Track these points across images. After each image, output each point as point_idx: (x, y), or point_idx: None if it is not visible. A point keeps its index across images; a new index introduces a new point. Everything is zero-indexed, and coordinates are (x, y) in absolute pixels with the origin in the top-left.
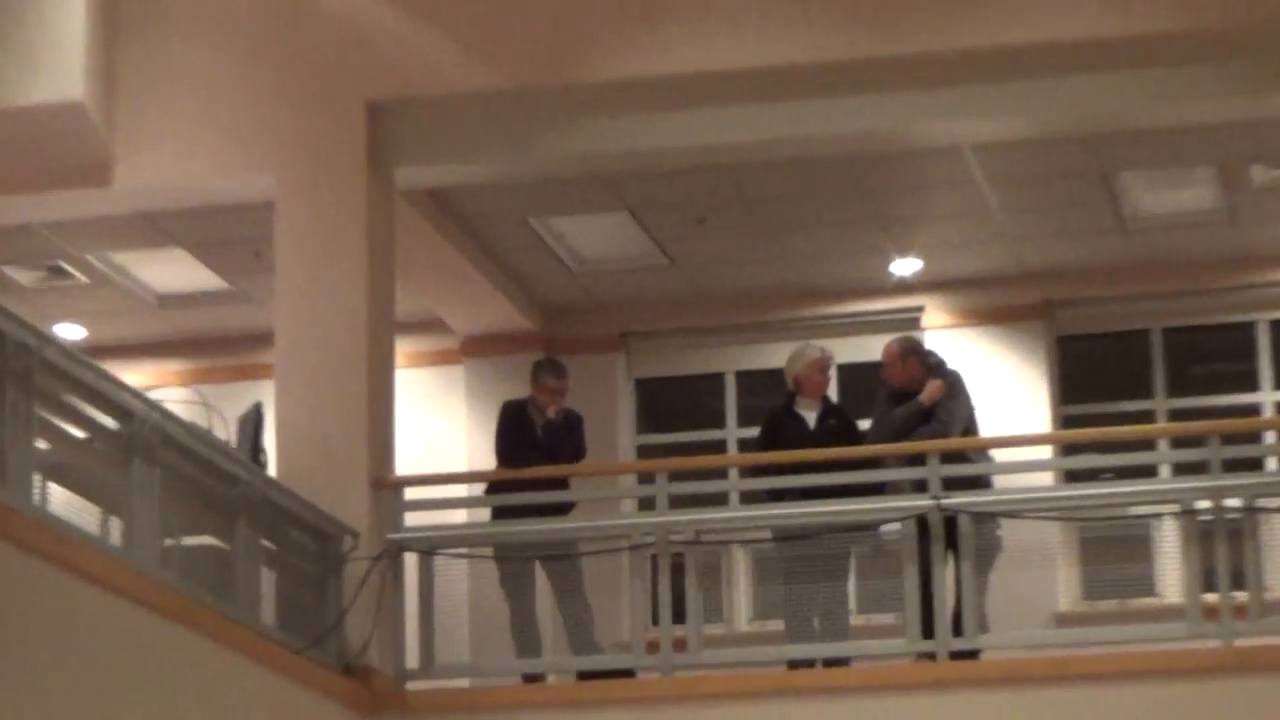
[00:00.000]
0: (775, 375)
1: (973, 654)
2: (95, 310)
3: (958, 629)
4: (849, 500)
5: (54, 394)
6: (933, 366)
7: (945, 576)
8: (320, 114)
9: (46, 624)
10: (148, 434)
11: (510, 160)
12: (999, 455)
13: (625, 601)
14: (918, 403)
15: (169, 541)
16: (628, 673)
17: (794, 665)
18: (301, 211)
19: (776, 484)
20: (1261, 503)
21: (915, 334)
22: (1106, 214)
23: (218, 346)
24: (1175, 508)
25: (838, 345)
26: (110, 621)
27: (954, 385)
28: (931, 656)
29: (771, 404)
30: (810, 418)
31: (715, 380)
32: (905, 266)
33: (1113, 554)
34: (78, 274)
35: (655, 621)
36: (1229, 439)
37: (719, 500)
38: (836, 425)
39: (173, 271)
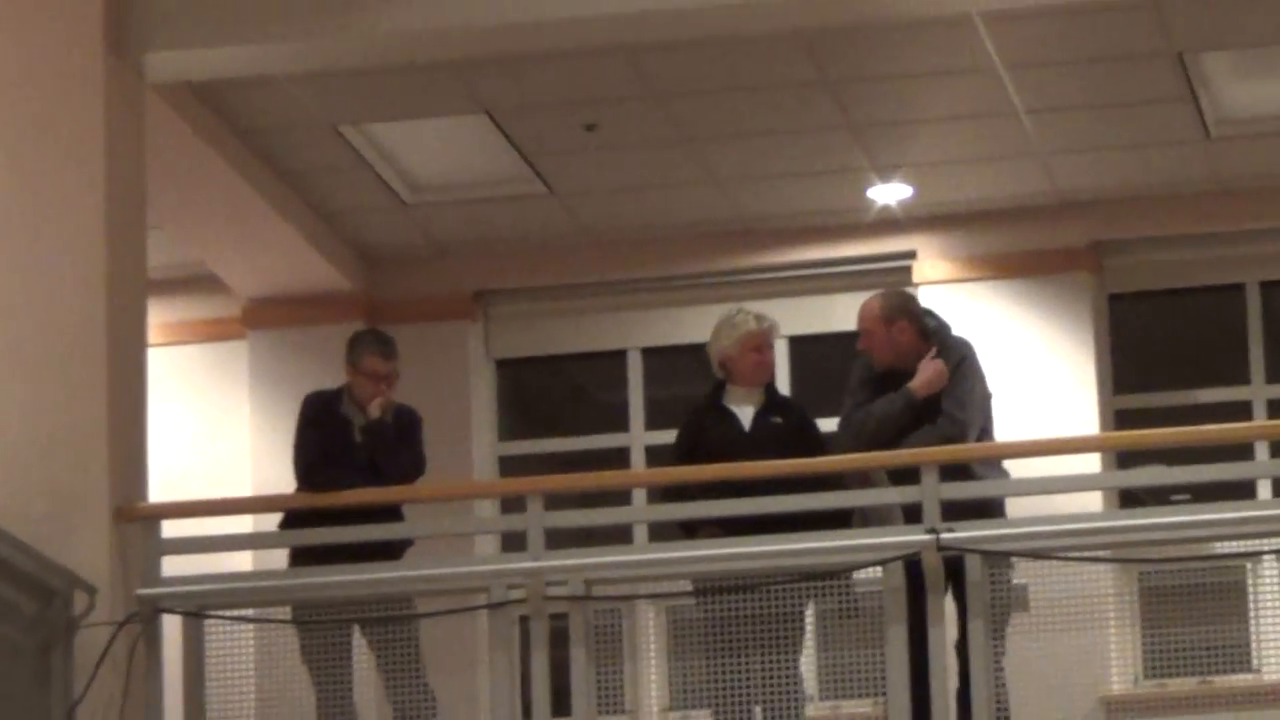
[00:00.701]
0: (699, 353)
1: None
2: None
3: None
4: (804, 536)
5: None
6: (930, 334)
7: (946, 644)
8: None
9: None
10: None
11: (313, 41)
12: (1022, 468)
13: (483, 684)
14: (907, 392)
15: None
16: None
17: None
18: (10, 115)
19: (696, 513)
20: None
21: (904, 290)
22: (1181, 116)
23: None
24: (1279, 543)
25: (788, 309)
26: None
27: (964, 362)
28: None
29: (695, 396)
30: (745, 414)
31: (612, 361)
32: (888, 194)
33: (1189, 612)
34: None
35: (527, 713)
36: None
37: (619, 537)
38: (783, 425)
39: None
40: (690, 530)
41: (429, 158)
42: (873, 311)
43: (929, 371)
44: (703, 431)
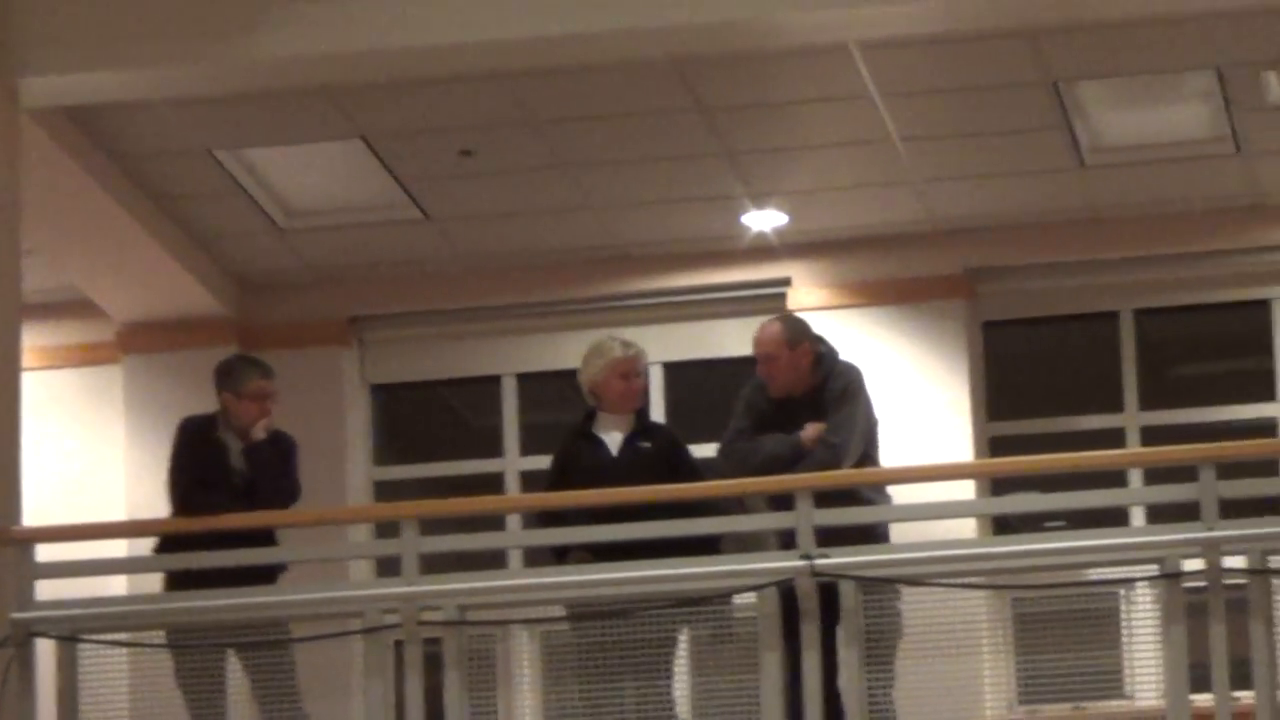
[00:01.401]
0: (574, 379)
1: None
2: None
3: None
4: (679, 561)
5: None
6: (821, 359)
7: (817, 670)
8: None
9: None
10: None
11: (186, 66)
12: (896, 494)
13: (358, 709)
14: (798, 441)
15: None
16: None
17: None
18: None
19: (570, 538)
20: (1275, 562)
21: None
22: (1056, 144)
23: None
24: (1153, 570)
25: (662, 335)
26: None
27: (848, 388)
28: None
29: (570, 421)
30: (614, 441)
31: (487, 387)
32: (764, 220)
33: (1063, 638)
34: None
35: None
36: (1229, 470)
37: (494, 562)
38: (651, 450)
39: None
40: (561, 555)
41: (304, 183)
42: (776, 335)
43: (814, 431)
44: (572, 458)
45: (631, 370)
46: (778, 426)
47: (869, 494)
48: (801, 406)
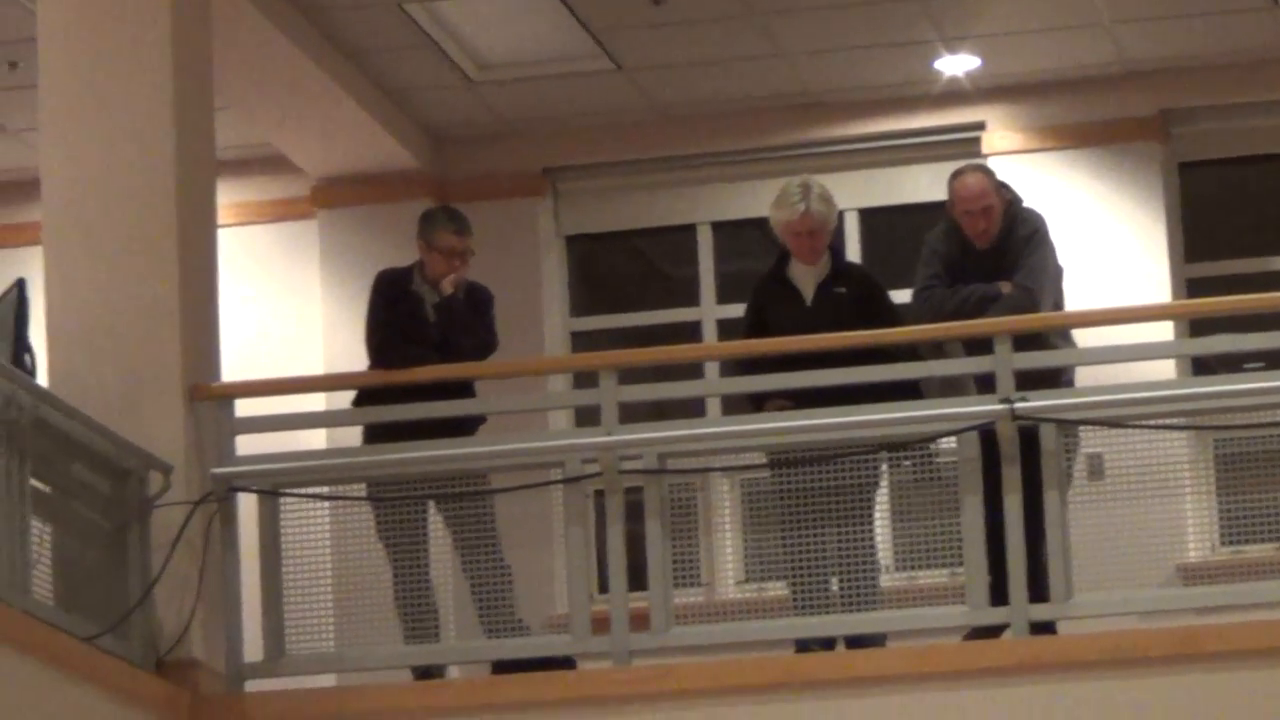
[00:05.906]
0: (768, 227)
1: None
2: None
3: (1037, 591)
4: (879, 406)
5: None
6: (1008, 206)
7: (1018, 513)
8: None
9: None
10: None
11: None
12: (1094, 337)
13: (559, 559)
14: (997, 289)
15: None
16: (566, 662)
17: (804, 646)
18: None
19: (769, 385)
20: None
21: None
22: None
23: None
24: None
25: (856, 182)
26: None
27: (1036, 234)
28: (998, 631)
29: (765, 268)
30: (807, 287)
31: (682, 236)
32: (956, 65)
33: (1265, 478)
34: None
35: (603, 588)
36: None
37: (693, 410)
38: (847, 295)
39: None
40: (758, 404)
41: (495, 35)
42: (987, 185)
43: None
44: (767, 305)
45: (803, 228)
46: (965, 273)
47: (1057, 341)
48: (987, 253)
